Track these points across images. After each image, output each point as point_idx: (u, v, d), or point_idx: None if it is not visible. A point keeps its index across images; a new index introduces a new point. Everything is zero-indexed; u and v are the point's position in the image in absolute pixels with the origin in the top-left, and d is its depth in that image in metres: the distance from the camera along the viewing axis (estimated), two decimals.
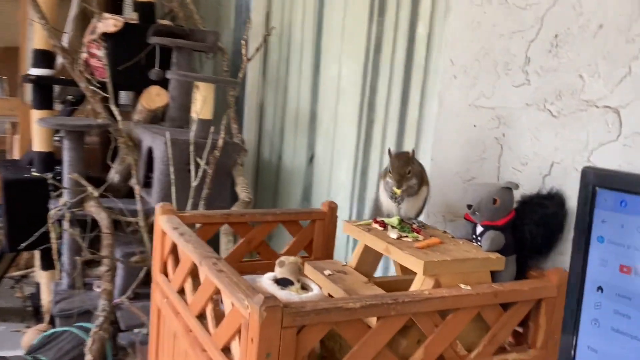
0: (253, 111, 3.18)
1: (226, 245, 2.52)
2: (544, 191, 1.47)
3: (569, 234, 1.43)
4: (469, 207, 1.40)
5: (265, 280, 1.27)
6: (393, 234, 1.41)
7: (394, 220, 1.50)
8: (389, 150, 1.52)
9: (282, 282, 1.27)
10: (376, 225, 1.48)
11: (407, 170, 1.47)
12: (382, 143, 2.30)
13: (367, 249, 1.50)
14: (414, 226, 1.51)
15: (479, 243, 1.43)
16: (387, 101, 2.27)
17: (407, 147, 2.17)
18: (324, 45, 2.72)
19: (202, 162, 2.64)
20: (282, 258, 1.30)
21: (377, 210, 1.61)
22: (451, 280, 1.31)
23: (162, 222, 1.58)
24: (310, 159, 2.76)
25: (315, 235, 1.81)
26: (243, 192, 2.64)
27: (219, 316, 1.33)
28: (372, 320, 1.22)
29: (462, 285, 1.30)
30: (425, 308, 1.23)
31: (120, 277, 2.86)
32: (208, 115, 2.76)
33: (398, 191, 1.48)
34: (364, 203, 2.40)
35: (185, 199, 2.65)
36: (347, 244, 2.42)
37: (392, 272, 1.77)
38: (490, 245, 1.37)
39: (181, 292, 1.50)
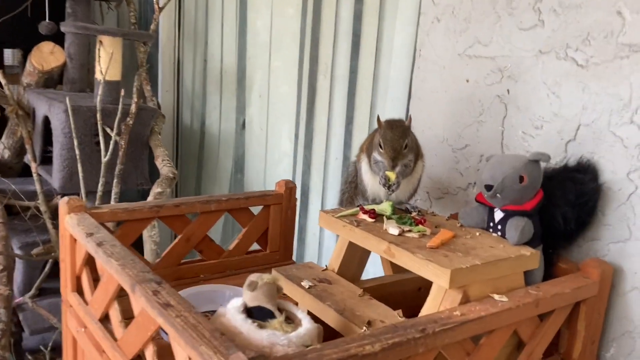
0: (168, 70, 2.67)
1: (151, 245, 2.04)
2: (572, 161, 1.14)
3: (604, 216, 1.11)
4: (488, 187, 1.04)
5: (234, 314, 0.86)
6: (392, 229, 1.04)
7: (386, 208, 1.12)
8: (378, 118, 1.13)
9: (258, 314, 0.87)
10: (365, 216, 1.10)
11: (403, 145, 1.09)
12: (329, 103, 1.90)
13: (352, 247, 1.12)
14: (414, 214, 1.14)
15: (498, 233, 1.08)
16: (334, 52, 1.86)
17: (361, 107, 1.78)
18: None
19: (112, 133, 2.14)
20: (253, 277, 0.90)
21: (357, 193, 1.22)
22: (481, 289, 0.95)
23: (71, 223, 1.12)
24: (243, 125, 2.32)
25: (270, 224, 1.41)
26: (165, 166, 2.17)
27: (163, 354, 0.91)
28: None
29: (496, 296, 0.95)
30: (458, 336, 0.87)
31: (20, 272, 2.34)
32: (116, 76, 2.24)
33: (393, 176, 1.10)
34: (310, 176, 2.01)
35: (94, 177, 2.15)
36: (305, 229, 2.02)
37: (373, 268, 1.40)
38: (520, 236, 1.02)
39: (105, 317, 1.07)
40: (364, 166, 1.17)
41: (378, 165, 1.12)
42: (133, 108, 2.18)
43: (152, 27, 2.35)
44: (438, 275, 0.91)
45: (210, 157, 2.55)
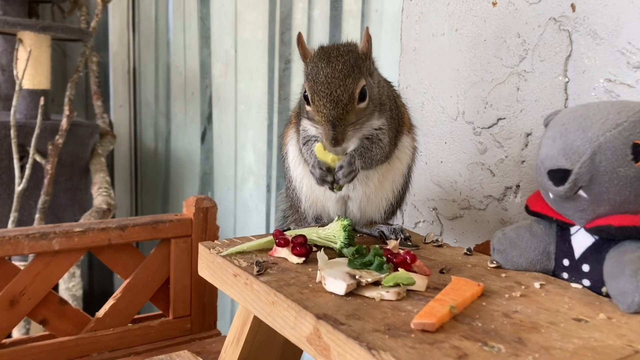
0: (121, 80, 2.11)
1: (68, 284, 1.46)
2: None
3: None
4: (557, 175, 0.43)
5: None
6: (333, 282, 0.42)
7: (336, 232, 0.50)
8: (300, 38, 0.53)
9: None
10: (284, 252, 0.49)
11: (355, 90, 0.48)
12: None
13: (260, 324, 0.50)
14: (391, 245, 0.52)
15: (584, 282, 0.45)
16: (309, 20, 1.28)
17: None
18: None
19: (32, 150, 1.58)
20: None
21: (291, 206, 0.62)
22: None
23: None
24: (203, 136, 1.74)
25: (173, 271, 0.80)
26: (100, 195, 1.60)
27: None
28: None
29: None
30: None
31: None
32: (42, 84, 1.70)
33: (330, 157, 0.49)
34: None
35: (5, 209, 1.60)
36: None
37: None
38: None
39: None
40: (292, 151, 0.56)
41: (309, 146, 0.51)
42: (64, 124, 1.63)
43: (93, 24, 1.81)
44: None
45: (177, 183, 1.98)
